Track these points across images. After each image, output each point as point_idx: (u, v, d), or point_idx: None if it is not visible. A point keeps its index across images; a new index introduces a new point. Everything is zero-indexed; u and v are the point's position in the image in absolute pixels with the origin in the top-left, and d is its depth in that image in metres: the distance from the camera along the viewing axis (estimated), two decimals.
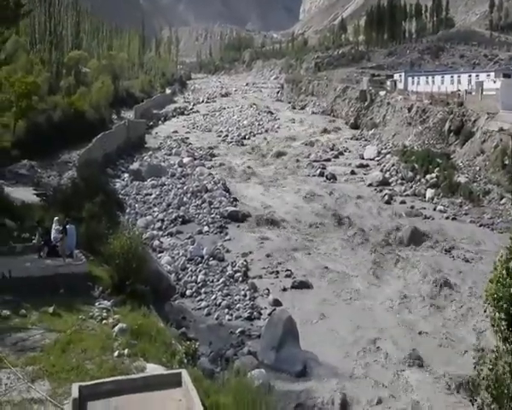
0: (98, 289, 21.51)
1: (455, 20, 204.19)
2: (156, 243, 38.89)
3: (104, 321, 18.52)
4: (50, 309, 18.70)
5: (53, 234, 23.32)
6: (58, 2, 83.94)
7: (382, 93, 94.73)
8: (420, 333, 28.26)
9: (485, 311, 11.98)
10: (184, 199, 48.56)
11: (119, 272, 21.99)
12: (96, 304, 20.11)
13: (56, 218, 24.03)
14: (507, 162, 48.43)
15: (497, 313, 11.29)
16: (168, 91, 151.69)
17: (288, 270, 36.58)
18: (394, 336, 27.91)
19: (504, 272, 11.32)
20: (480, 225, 43.74)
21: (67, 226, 22.91)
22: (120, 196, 45.62)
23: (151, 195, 49.57)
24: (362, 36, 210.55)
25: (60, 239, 22.89)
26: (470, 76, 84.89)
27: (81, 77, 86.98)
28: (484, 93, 69.47)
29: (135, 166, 58.00)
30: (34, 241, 23.83)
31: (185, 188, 51.80)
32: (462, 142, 59.95)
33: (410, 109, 76.28)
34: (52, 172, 46.33)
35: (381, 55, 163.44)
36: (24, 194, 34.25)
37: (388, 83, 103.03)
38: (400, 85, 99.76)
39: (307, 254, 39.27)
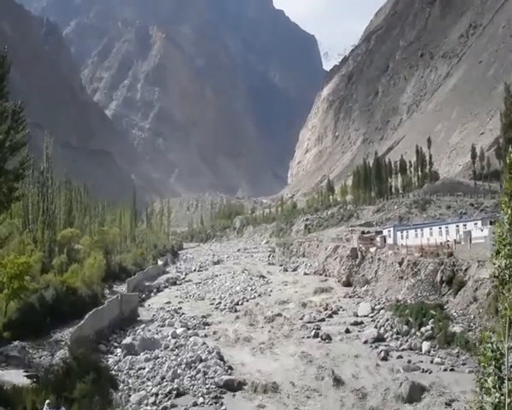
0: None
1: (439, 173, 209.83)
2: None
3: None
4: None
5: None
6: (51, 183, 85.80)
7: (373, 249, 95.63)
8: None
9: None
10: (178, 371, 47.58)
11: None
12: None
13: (48, 401, 23.79)
14: (500, 308, 48.20)
15: None
16: (160, 263, 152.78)
17: None
18: None
19: None
20: None
21: None
22: (113, 373, 44.98)
23: (144, 369, 48.54)
24: (349, 195, 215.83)
25: None
26: (458, 226, 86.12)
27: (73, 254, 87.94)
28: (472, 241, 70.25)
29: (128, 340, 57.30)
30: None
31: (179, 359, 50.92)
32: (454, 291, 59.97)
33: (400, 263, 76.66)
34: (44, 351, 45.91)
35: (369, 212, 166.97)
36: (15, 377, 33.93)
37: (378, 239, 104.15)
38: (390, 240, 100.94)
39: None
